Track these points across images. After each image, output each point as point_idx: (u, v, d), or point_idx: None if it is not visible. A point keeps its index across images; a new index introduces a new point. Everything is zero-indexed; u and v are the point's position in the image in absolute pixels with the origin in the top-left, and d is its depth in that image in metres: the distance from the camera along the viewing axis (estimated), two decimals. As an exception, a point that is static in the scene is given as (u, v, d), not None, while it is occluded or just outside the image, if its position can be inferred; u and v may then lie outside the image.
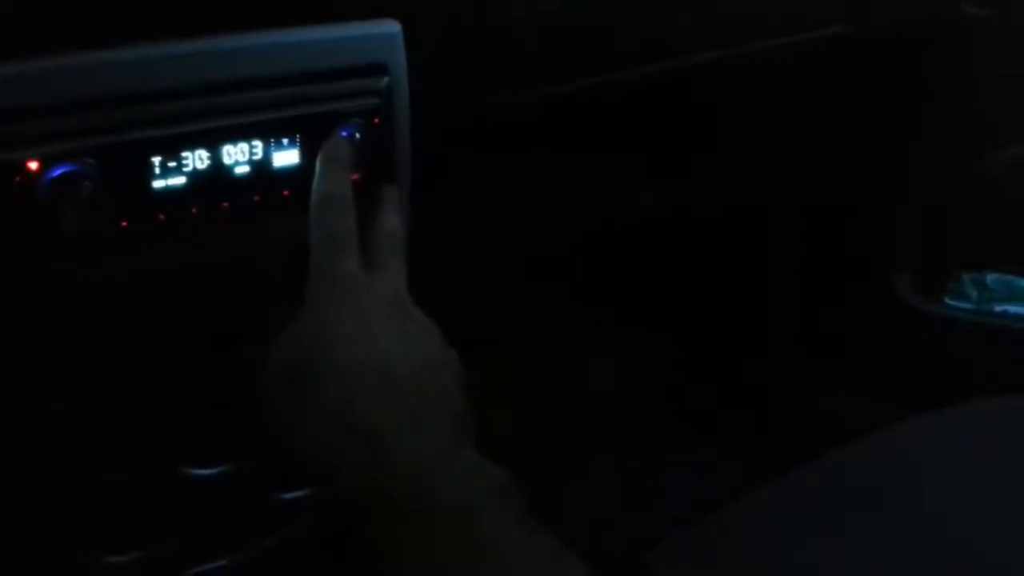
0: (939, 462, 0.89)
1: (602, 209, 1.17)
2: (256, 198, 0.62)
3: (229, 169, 0.60)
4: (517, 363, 1.28)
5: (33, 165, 0.53)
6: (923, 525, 0.80)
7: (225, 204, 0.61)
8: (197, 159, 0.58)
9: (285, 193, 0.63)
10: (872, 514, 0.81)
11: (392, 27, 0.65)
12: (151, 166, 0.57)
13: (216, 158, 0.59)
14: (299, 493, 0.78)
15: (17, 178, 0.52)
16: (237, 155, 0.60)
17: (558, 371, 1.32)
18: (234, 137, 0.59)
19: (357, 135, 0.63)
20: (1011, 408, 0.94)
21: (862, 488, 0.85)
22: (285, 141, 0.62)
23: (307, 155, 0.62)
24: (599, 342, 1.37)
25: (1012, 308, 1.29)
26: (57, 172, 0.53)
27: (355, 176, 0.63)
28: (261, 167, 0.61)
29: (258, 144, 0.60)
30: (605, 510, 1.16)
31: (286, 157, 0.62)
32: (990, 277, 1.30)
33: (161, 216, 0.58)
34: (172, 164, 0.58)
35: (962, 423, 0.94)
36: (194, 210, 0.59)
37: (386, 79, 0.65)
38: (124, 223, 0.57)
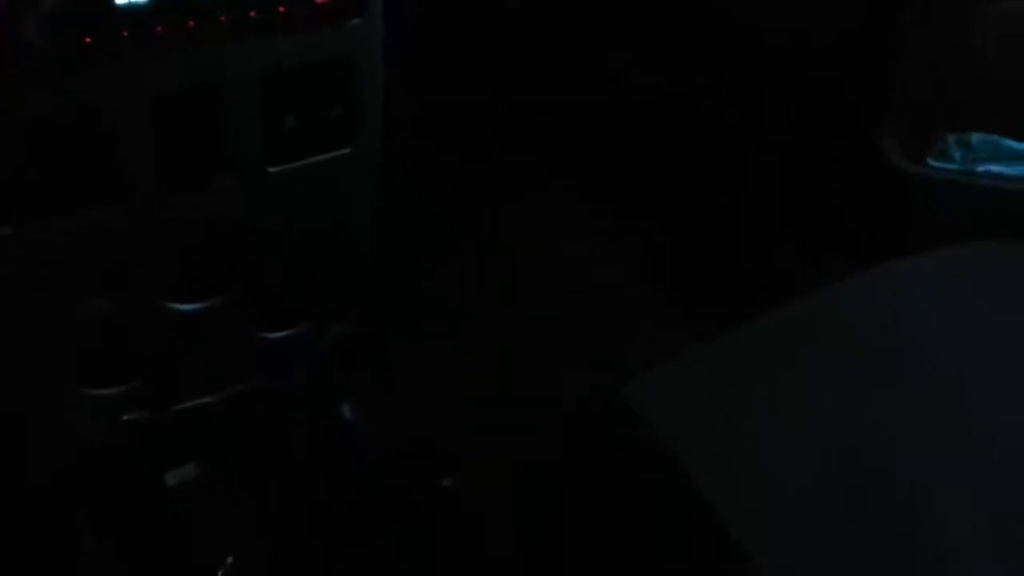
0: (915, 301, 0.89)
1: (588, 75, 1.16)
2: (222, 19, 0.61)
3: (193, -13, 0.59)
4: (502, 234, 1.29)
5: (-10, -27, 0.52)
6: (903, 360, 0.81)
7: (190, 23, 0.60)
8: (159, -25, 0.58)
9: (252, 14, 0.62)
10: (852, 350, 0.82)
11: None
12: (112, -20, 0.56)
13: (179, -25, 0.58)
14: (284, 333, 0.79)
15: (-26, -14, 0.52)
16: (201, -27, 0.59)
17: (539, 237, 1.32)
18: (196, -48, 0.59)
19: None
20: (986, 251, 0.95)
21: (841, 325, 0.86)
22: (249, -41, 0.61)
23: (272, -25, 0.61)
24: (579, 208, 1.37)
25: (995, 167, 1.29)
26: (15, -19, 0.53)
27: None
28: (226, -14, 0.60)
29: (221, -39, 0.60)
30: (580, 357, 1.17)
31: (251, -23, 0.61)
32: (975, 137, 1.30)
33: (125, 33, 0.58)
34: (134, -21, 0.57)
35: (937, 266, 0.94)
36: (159, 29, 0.59)
37: None
38: (87, 39, 0.57)
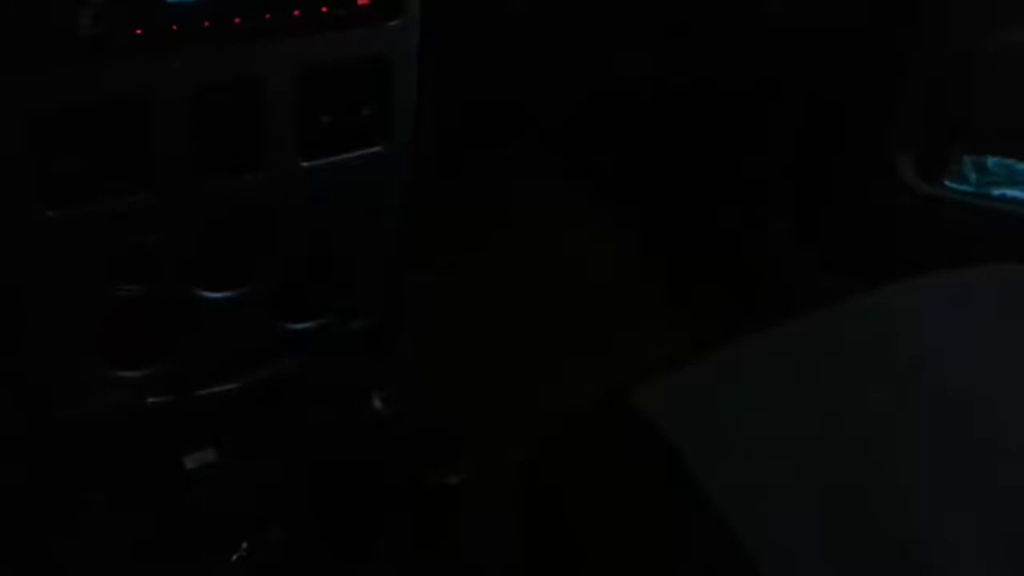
0: (929, 318, 0.90)
1: (598, 72, 1.17)
2: (267, 16, 0.62)
3: (241, -15, 0.61)
4: (508, 231, 1.30)
5: (49, -36, 0.54)
6: (914, 375, 0.81)
7: (237, 20, 0.61)
8: (209, -28, 0.59)
9: (296, 13, 0.63)
10: (865, 363, 0.82)
11: None
12: (164, -25, 0.58)
13: (228, -27, 0.60)
14: (306, 324, 0.80)
15: (33, -24, 0.53)
16: (249, -29, 0.61)
17: (547, 234, 1.33)
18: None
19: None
20: (1003, 272, 0.96)
21: (855, 338, 0.86)
22: (296, -41, 0.62)
23: (317, -24, 0.63)
24: (595, 212, 1.38)
25: (1011, 192, 1.30)
26: (73, -28, 0.54)
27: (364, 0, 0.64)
28: (272, -16, 0.62)
29: (269, -40, 0.61)
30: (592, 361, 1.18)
31: (297, -23, 0.63)
32: (991, 160, 1.31)
33: (174, 27, 0.59)
34: (185, -25, 0.58)
35: (953, 285, 0.95)
36: (206, 23, 0.60)
37: None
38: (138, 31, 0.58)
